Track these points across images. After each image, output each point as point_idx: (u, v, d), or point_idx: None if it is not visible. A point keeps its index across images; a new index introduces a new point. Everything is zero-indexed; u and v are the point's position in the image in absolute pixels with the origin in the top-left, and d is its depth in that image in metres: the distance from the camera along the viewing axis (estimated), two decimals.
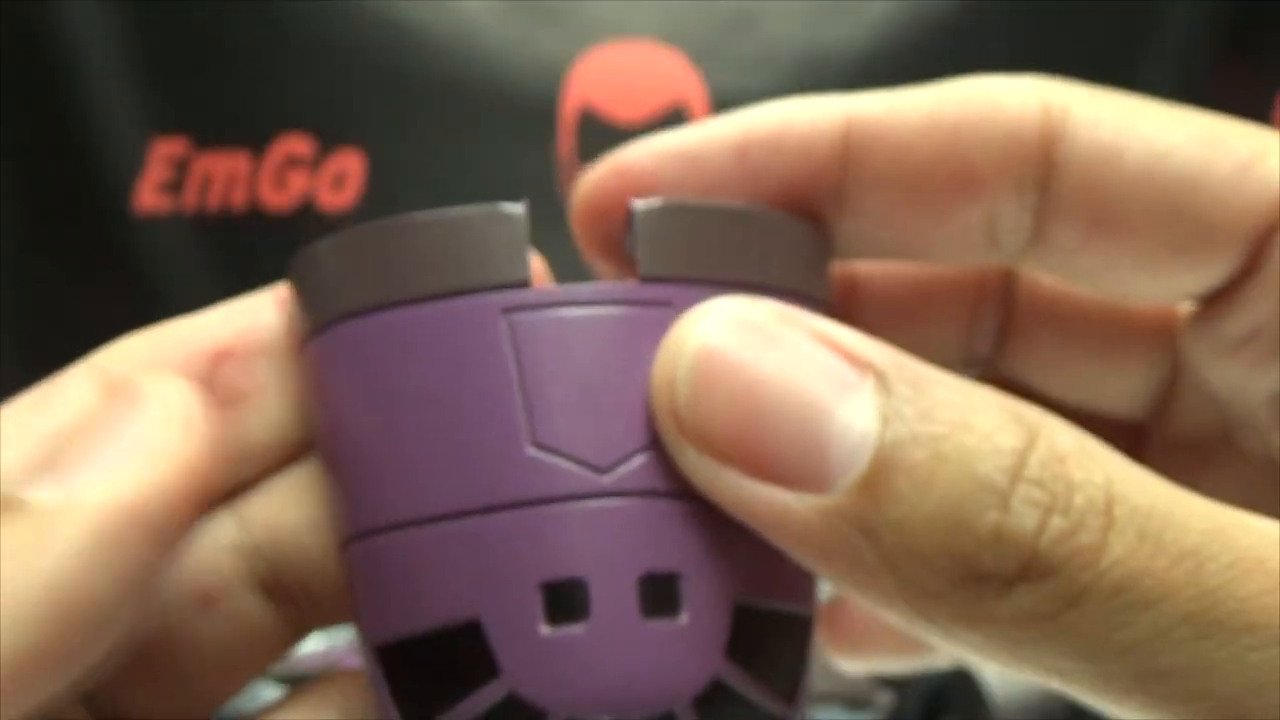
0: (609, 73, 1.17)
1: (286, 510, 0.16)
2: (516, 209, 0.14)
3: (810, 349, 0.12)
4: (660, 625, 0.13)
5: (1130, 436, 0.17)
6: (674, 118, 1.18)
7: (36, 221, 1.07)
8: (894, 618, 0.12)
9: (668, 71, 1.17)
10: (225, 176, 1.12)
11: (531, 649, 0.13)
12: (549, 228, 1.03)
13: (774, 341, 0.12)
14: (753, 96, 0.92)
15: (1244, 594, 0.11)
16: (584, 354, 0.13)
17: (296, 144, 1.13)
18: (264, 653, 0.16)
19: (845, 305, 0.17)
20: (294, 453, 0.16)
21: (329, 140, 1.13)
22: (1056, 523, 0.11)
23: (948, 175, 0.14)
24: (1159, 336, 0.16)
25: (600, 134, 1.19)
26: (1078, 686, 0.12)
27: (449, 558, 0.13)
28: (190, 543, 0.15)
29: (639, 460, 0.13)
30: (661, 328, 0.13)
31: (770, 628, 0.14)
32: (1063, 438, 0.12)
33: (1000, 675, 0.49)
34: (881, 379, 0.12)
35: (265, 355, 0.16)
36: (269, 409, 0.16)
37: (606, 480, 0.13)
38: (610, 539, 0.13)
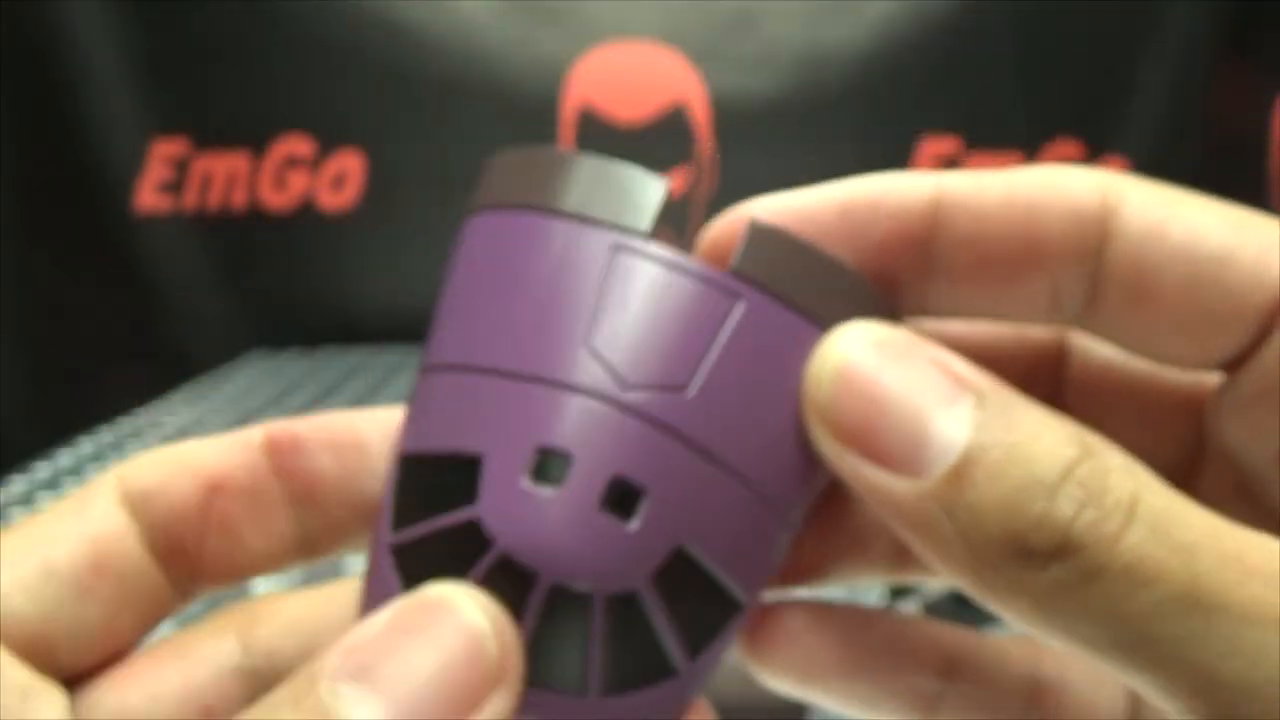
0: (609, 73, 1.17)
1: (286, 640, 0.18)
2: (662, 179, 0.16)
3: (927, 369, 0.15)
4: (611, 520, 0.15)
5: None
6: (674, 117, 1.18)
7: (37, 221, 1.07)
8: (959, 581, 0.15)
9: (668, 71, 1.17)
10: (225, 176, 1.12)
11: (509, 492, 0.15)
12: None
13: (899, 361, 0.15)
14: (753, 96, 0.92)
15: (1223, 581, 0.14)
16: (655, 303, 0.16)
17: (296, 144, 1.13)
18: None
19: None
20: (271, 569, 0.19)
21: (329, 140, 1.13)
22: (1088, 514, 0.14)
23: (1020, 245, 0.17)
24: (1188, 409, 0.19)
25: (600, 134, 1.19)
26: (1095, 651, 0.15)
27: (485, 401, 0.16)
28: (200, 660, 0.18)
29: (661, 393, 0.16)
30: (724, 311, 0.16)
31: (698, 587, 0.16)
32: (1113, 458, 0.15)
33: None
34: (980, 397, 0.15)
35: (246, 494, 0.18)
36: (246, 537, 0.18)
37: (626, 395, 0.15)
38: (606, 434, 0.15)
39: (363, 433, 0.18)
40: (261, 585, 0.44)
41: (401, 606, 0.15)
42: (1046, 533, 0.14)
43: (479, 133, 1.12)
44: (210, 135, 1.10)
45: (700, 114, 1.14)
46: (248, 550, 0.18)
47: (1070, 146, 1.09)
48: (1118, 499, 0.14)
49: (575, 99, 1.14)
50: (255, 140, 1.11)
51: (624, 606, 0.16)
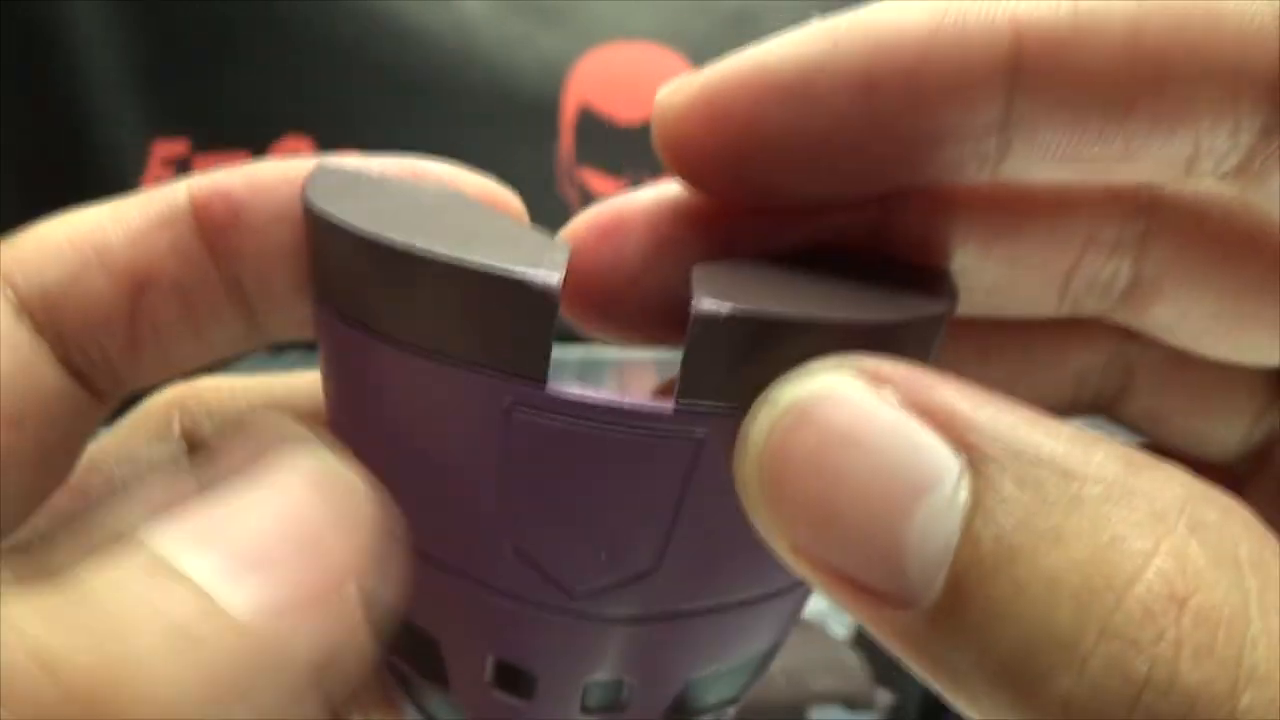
0: (609, 73, 1.17)
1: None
2: (550, 284, 0.11)
3: (897, 425, 0.09)
4: (602, 718, 0.13)
5: (1229, 477, 0.15)
6: None
7: (38, 222, 1.07)
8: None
9: (667, 72, 1.17)
10: None
11: (480, 695, 0.13)
12: (550, 227, 1.02)
13: (854, 420, 0.10)
14: None
15: None
16: (587, 476, 0.11)
17: (296, 145, 1.13)
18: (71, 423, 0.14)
19: (925, 226, 0.14)
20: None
21: (329, 141, 1.13)
22: (1150, 703, 0.08)
23: (1151, 110, 0.11)
24: (1267, 382, 0.14)
25: (600, 134, 1.19)
26: None
27: (425, 589, 0.13)
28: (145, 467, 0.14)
29: (613, 591, 0.12)
30: (690, 460, 0.11)
31: (715, 681, 0.14)
32: (1197, 555, 0.08)
33: None
34: (979, 463, 0.09)
35: (179, 288, 0.14)
36: (184, 338, 0.15)
37: (574, 604, 0.12)
38: (565, 651, 0.12)
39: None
40: None
41: (243, 450, 0.11)
42: (1109, 700, 0.08)
43: (479, 133, 1.12)
44: (211, 137, 1.10)
45: None
46: (187, 349, 0.15)
47: None
48: (1210, 671, 0.08)
49: (575, 99, 1.14)
50: (256, 142, 1.11)
51: None
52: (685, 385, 0.11)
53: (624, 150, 1.14)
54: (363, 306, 0.12)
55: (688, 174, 0.12)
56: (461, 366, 0.11)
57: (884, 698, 0.55)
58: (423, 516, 0.12)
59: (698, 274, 0.11)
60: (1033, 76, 0.11)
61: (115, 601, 0.10)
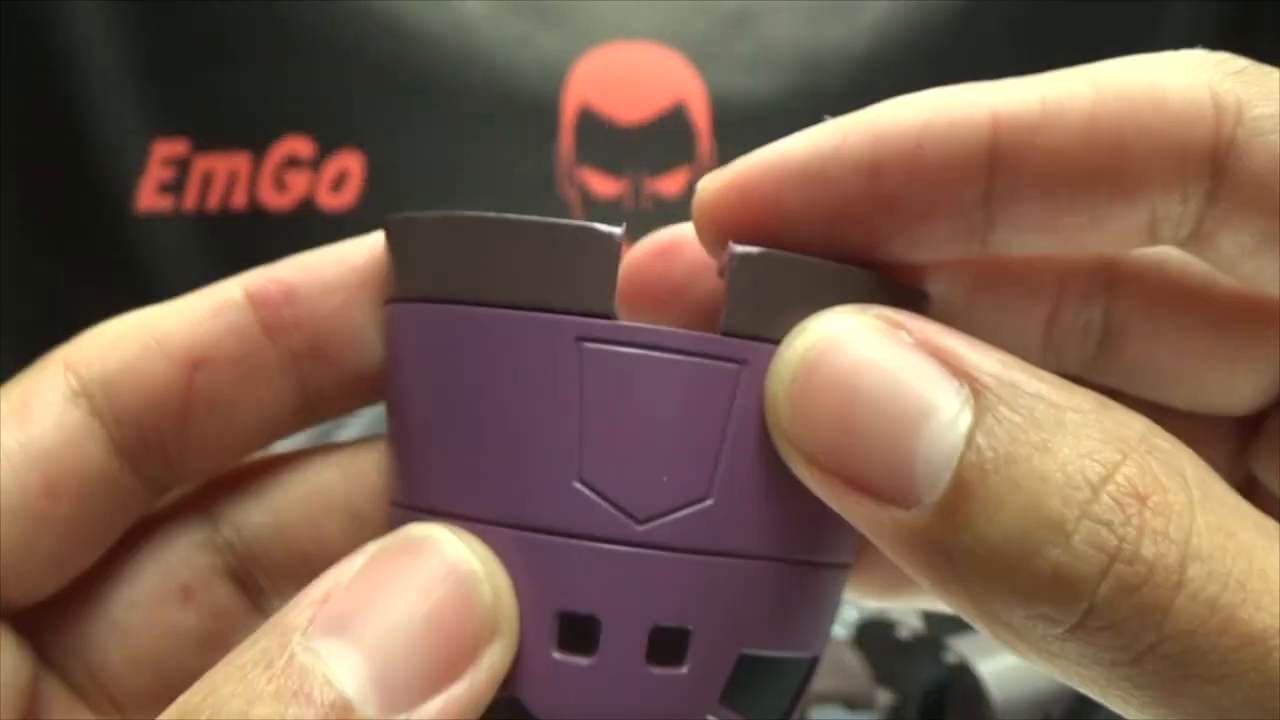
0: (609, 73, 1.17)
1: (253, 509, 0.16)
2: (615, 232, 0.13)
3: (910, 359, 0.12)
4: (662, 672, 0.13)
5: (1243, 431, 0.16)
6: (674, 118, 1.18)
7: (38, 222, 1.07)
8: (989, 637, 0.12)
9: (667, 72, 1.17)
10: (225, 177, 1.12)
11: (542, 667, 0.13)
12: None
13: (874, 351, 0.12)
14: (752, 97, 0.93)
15: None
16: (648, 400, 0.13)
17: (297, 146, 1.13)
18: (236, 634, 0.16)
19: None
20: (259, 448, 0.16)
21: (329, 142, 1.13)
22: (1120, 571, 0.10)
23: (1110, 184, 0.13)
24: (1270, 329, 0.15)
25: (600, 134, 1.19)
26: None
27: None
28: (169, 542, 0.16)
29: (678, 515, 0.13)
30: (732, 384, 0.13)
31: (769, 673, 0.15)
32: (1158, 466, 0.11)
33: (1000, 675, 0.49)
34: (979, 392, 0.11)
35: (235, 364, 0.15)
36: (239, 413, 0.16)
37: (640, 530, 0.13)
38: (631, 587, 0.13)
39: (358, 264, 0.16)
40: None
41: (379, 547, 0.13)
42: (1063, 596, 0.11)
43: (479, 133, 1.12)
44: (211, 138, 1.10)
45: (700, 114, 1.14)
46: (239, 427, 0.15)
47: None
48: (1161, 552, 0.10)
49: (575, 99, 1.14)
50: (255, 142, 1.11)
51: None
52: (728, 317, 0.13)
53: (624, 150, 1.15)
54: (446, 282, 0.14)
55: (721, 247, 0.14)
56: (543, 309, 0.13)
57: (884, 698, 0.55)
58: (495, 475, 0.13)
59: (734, 247, 0.13)
60: (1009, 158, 0.13)
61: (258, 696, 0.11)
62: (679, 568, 0.13)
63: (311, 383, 0.16)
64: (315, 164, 1.11)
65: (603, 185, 1.17)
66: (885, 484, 0.12)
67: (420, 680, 0.12)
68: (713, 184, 0.14)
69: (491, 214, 0.13)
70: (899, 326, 0.12)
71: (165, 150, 1.10)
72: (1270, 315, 0.15)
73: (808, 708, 0.51)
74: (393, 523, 0.15)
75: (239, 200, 1.11)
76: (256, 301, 0.15)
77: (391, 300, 0.15)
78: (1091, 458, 0.11)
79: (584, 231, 0.13)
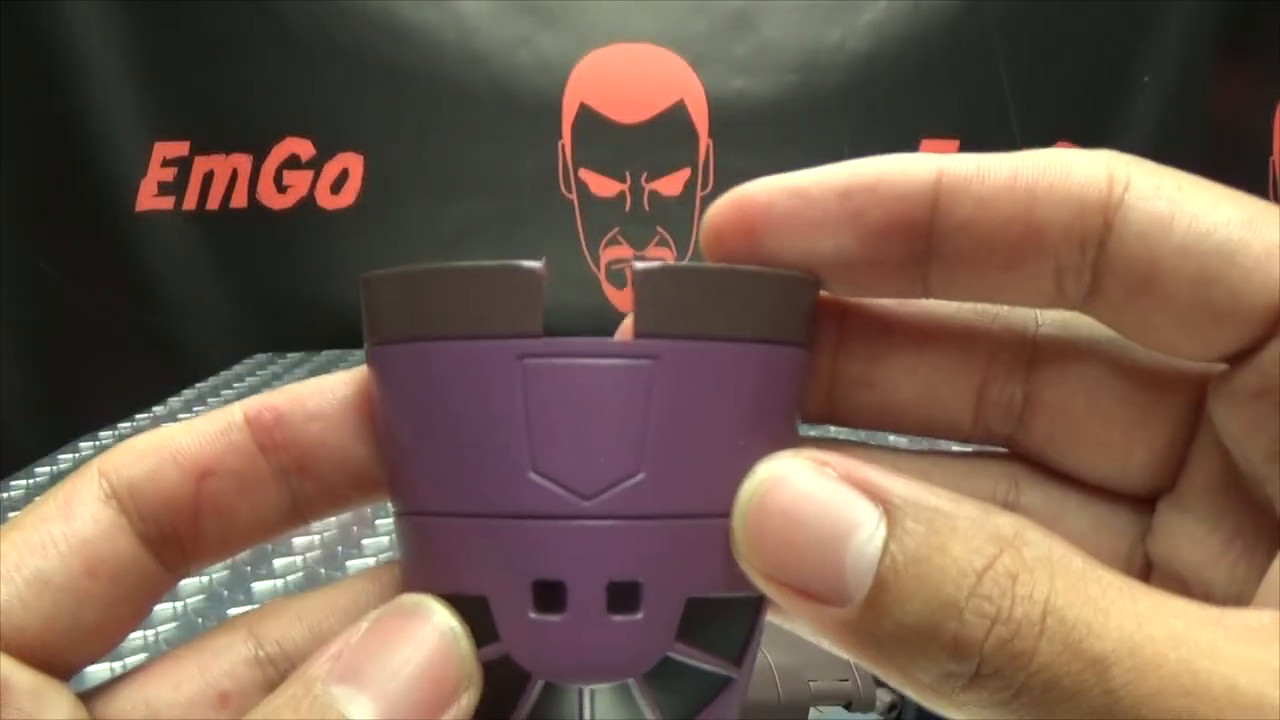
0: (608, 74, 1.17)
1: (293, 629, 0.19)
2: (535, 265, 0.16)
3: (836, 488, 0.15)
4: (622, 619, 0.16)
5: (1141, 500, 0.19)
6: (673, 119, 1.18)
7: (39, 222, 1.07)
8: (910, 695, 0.16)
9: (667, 73, 1.17)
10: (226, 178, 1.12)
11: (522, 627, 0.16)
12: (549, 228, 1.02)
13: (807, 486, 0.15)
14: (751, 97, 0.92)
15: (1141, 694, 0.13)
16: (580, 398, 0.16)
17: (296, 147, 1.13)
18: None
19: (871, 344, 0.19)
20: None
21: (329, 143, 1.13)
22: (998, 631, 0.14)
23: (1022, 229, 0.16)
24: (1176, 399, 0.18)
25: (600, 135, 1.20)
26: None
27: (464, 546, 0.16)
28: (215, 652, 0.19)
29: (617, 489, 0.16)
30: (648, 377, 0.16)
31: (718, 611, 0.17)
32: (1027, 553, 0.14)
33: None
34: (890, 510, 0.15)
35: (236, 476, 0.18)
36: (239, 515, 0.19)
37: (588, 505, 0.16)
38: (587, 552, 0.16)
39: (339, 395, 0.19)
40: None
41: (381, 613, 0.16)
42: (962, 654, 0.14)
43: (479, 134, 1.13)
44: (211, 138, 1.10)
45: (699, 115, 1.14)
46: (240, 526, 0.18)
47: (1070, 148, 1.09)
48: (1027, 611, 0.14)
49: (575, 101, 1.14)
50: (255, 144, 1.11)
51: (664, 669, 0.17)
52: (638, 321, 0.16)
53: (623, 151, 1.15)
54: (408, 323, 0.17)
55: (721, 251, 0.18)
56: (486, 338, 0.16)
57: (884, 698, 0.55)
58: (466, 477, 0.16)
59: (635, 264, 0.16)
60: (947, 201, 0.17)
61: None
62: (624, 532, 0.16)
63: (300, 492, 0.19)
64: (315, 164, 1.12)
65: (602, 185, 1.17)
66: (824, 590, 0.15)
67: (416, 717, 0.16)
68: (719, 203, 0.17)
69: (437, 265, 0.16)
70: (825, 464, 0.15)
71: (166, 151, 1.10)
72: (1162, 390, 0.18)
73: (808, 708, 0.52)
74: (396, 529, 0.18)
75: (239, 200, 1.11)
76: (253, 424, 0.18)
77: (371, 343, 0.17)
78: (977, 553, 0.14)
79: (512, 269, 0.16)
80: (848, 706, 0.55)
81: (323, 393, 0.19)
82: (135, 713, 0.18)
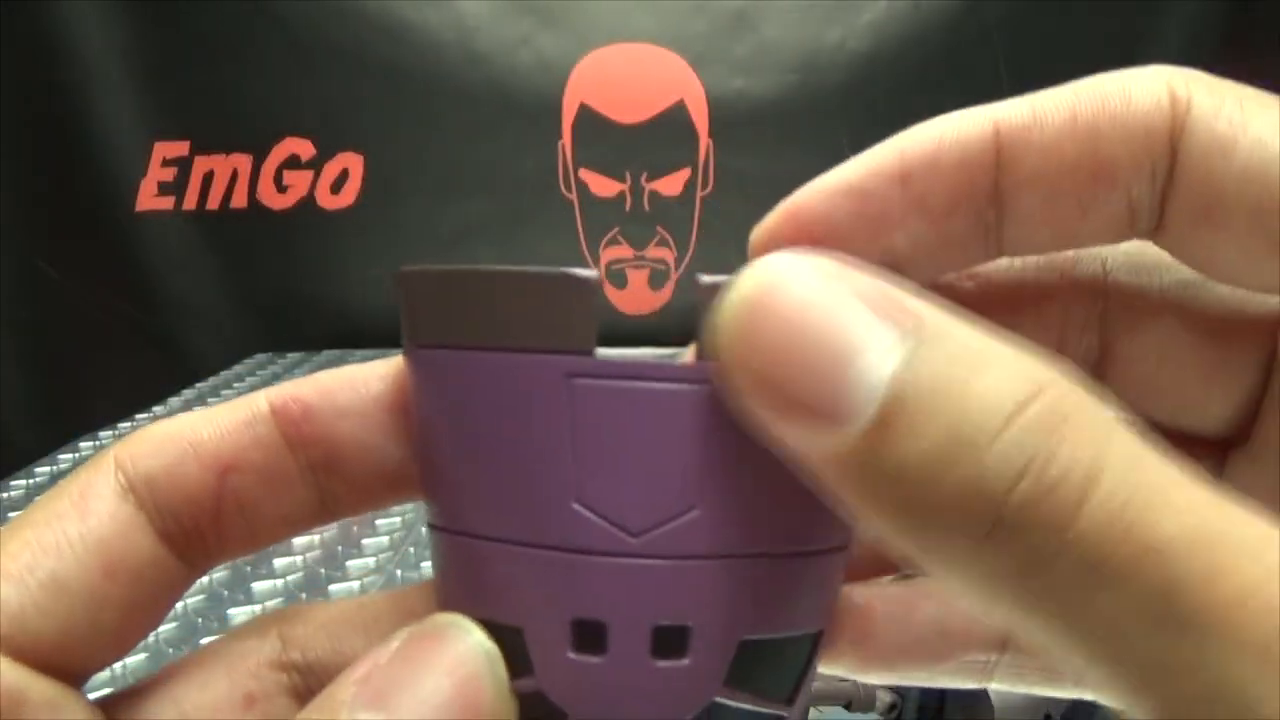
0: (608, 74, 1.17)
1: (319, 636, 0.19)
2: (591, 276, 0.14)
3: (851, 300, 0.13)
4: (667, 664, 0.15)
5: (1217, 450, 0.18)
6: (673, 119, 1.18)
7: (40, 222, 1.07)
8: (901, 550, 0.13)
9: (667, 73, 1.17)
10: (226, 178, 1.12)
11: (559, 665, 0.15)
12: (549, 228, 1.02)
13: (820, 289, 0.13)
14: (752, 98, 0.92)
15: (1209, 600, 0.11)
16: (633, 425, 0.14)
17: (297, 147, 1.13)
18: None
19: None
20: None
21: (329, 143, 1.13)
22: (1029, 483, 0.11)
23: (1090, 170, 0.15)
24: (1249, 346, 0.17)
25: (600, 135, 1.19)
26: (1052, 645, 0.12)
27: (501, 573, 0.15)
28: (242, 654, 0.18)
29: (669, 527, 0.14)
30: (705, 403, 0.14)
31: (771, 653, 0.16)
32: (1070, 403, 0.12)
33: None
34: (917, 327, 0.12)
35: (260, 471, 0.17)
36: (264, 512, 0.18)
37: (635, 543, 0.14)
38: (631, 594, 0.14)
39: (372, 391, 0.18)
40: None
41: (410, 634, 0.15)
42: (975, 505, 0.12)
43: (479, 134, 1.13)
44: (211, 138, 1.10)
45: (699, 115, 1.14)
46: (265, 522, 0.17)
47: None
48: (1068, 468, 0.11)
49: (575, 101, 1.14)
50: (256, 144, 1.11)
51: (710, 714, 0.15)
52: (702, 344, 0.14)
53: (623, 151, 1.15)
54: (451, 328, 0.15)
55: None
56: (534, 352, 0.14)
57: (884, 698, 0.55)
58: (505, 500, 0.15)
59: (702, 279, 0.14)
60: (1009, 155, 0.15)
61: None
62: (673, 573, 0.14)
63: (327, 489, 0.17)
64: (315, 164, 1.12)
65: (602, 185, 1.17)
66: (819, 406, 0.12)
67: None
68: (767, 219, 0.16)
69: (486, 267, 0.15)
70: (844, 274, 0.13)
71: (166, 151, 1.10)
72: (1237, 340, 0.17)
73: (808, 708, 0.52)
74: (430, 543, 0.17)
75: (239, 200, 1.11)
76: (279, 416, 0.17)
77: (411, 344, 0.16)
78: (1017, 381, 0.12)
79: (566, 278, 0.14)
80: (848, 706, 0.55)
81: (354, 387, 0.17)
82: (165, 713, 0.17)
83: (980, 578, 0.12)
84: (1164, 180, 0.15)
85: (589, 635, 0.15)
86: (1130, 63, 0.16)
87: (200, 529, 0.17)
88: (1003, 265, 0.17)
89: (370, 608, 0.19)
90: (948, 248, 0.16)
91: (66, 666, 0.16)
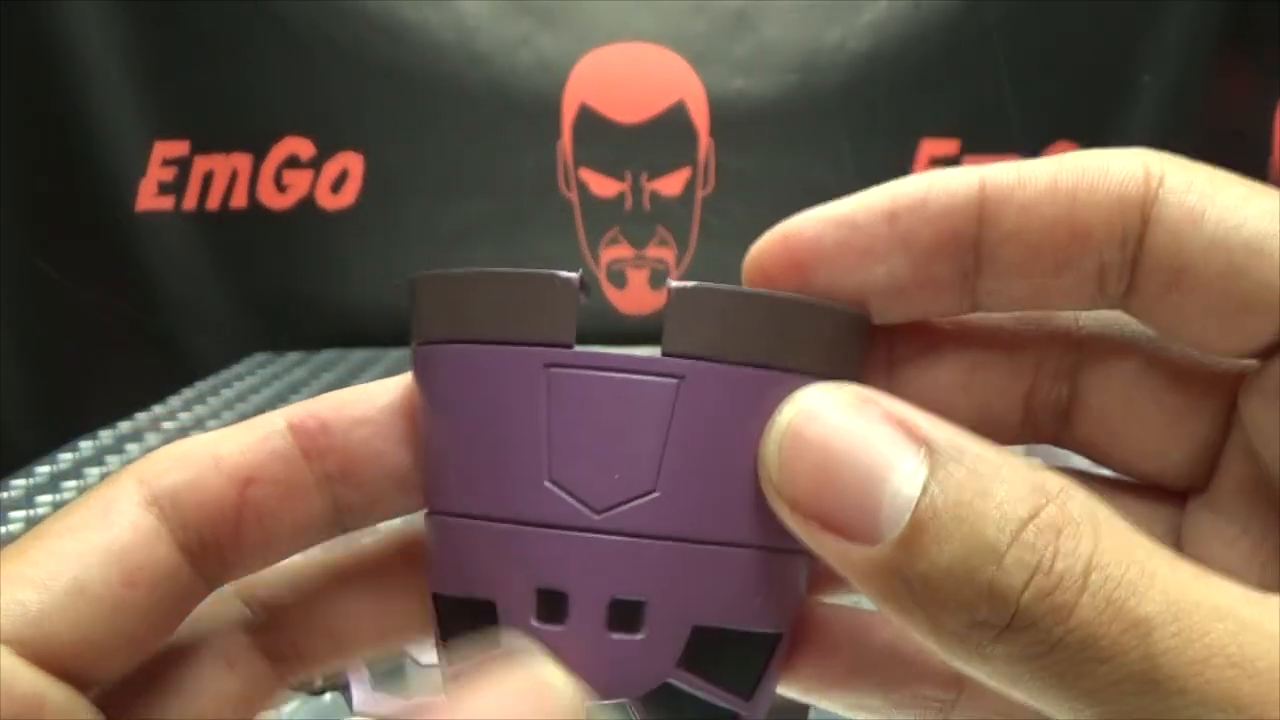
0: (608, 74, 1.17)
1: (284, 596, 0.20)
2: (571, 276, 0.16)
3: (879, 426, 0.15)
4: (621, 637, 0.16)
5: (1178, 499, 0.19)
6: (673, 118, 1.18)
7: (40, 222, 1.07)
8: (932, 651, 0.15)
9: (667, 73, 1.17)
10: (226, 178, 1.12)
11: (524, 633, 0.16)
12: (549, 228, 1.02)
13: (849, 421, 0.15)
14: (751, 97, 0.92)
15: (1181, 663, 0.13)
16: (603, 411, 0.16)
17: (297, 147, 1.13)
18: (268, 697, 0.19)
19: (923, 367, 0.19)
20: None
21: (329, 142, 1.13)
22: (1039, 583, 0.13)
23: (1067, 232, 0.16)
24: (1210, 400, 0.18)
25: (600, 135, 1.19)
26: (1058, 714, 0.14)
27: (477, 548, 0.16)
28: (217, 626, 0.19)
29: (629, 505, 0.16)
30: (672, 396, 0.16)
31: (727, 644, 0.16)
32: (1071, 508, 0.14)
33: None
34: (933, 453, 0.14)
35: (279, 483, 0.18)
36: (282, 523, 0.18)
37: (598, 518, 0.16)
38: (591, 565, 0.16)
39: (384, 400, 0.18)
40: None
41: (489, 679, 0.15)
42: (997, 602, 0.14)
43: (479, 134, 1.13)
44: (211, 137, 1.10)
45: (699, 115, 1.14)
46: (282, 535, 0.18)
47: (1070, 148, 1.09)
48: (1070, 565, 0.13)
49: (575, 100, 1.14)
50: (256, 144, 1.11)
51: (664, 695, 0.16)
52: (667, 339, 0.16)
53: (623, 151, 1.15)
54: (444, 325, 0.17)
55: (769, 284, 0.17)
56: (517, 344, 0.16)
57: None
58: (485, 480, 0.16)
59: (671, 283, 0.16)
60: (992, 211, 0.17)
61: None
62: (632, 549, 0.16)
63: (342, 499, 0.18)
64: (315, 164, 1.11)
65: (602, 185, 1.17)
66: (855, 525, 0.14)
67: None
68: (761, 241, 0.17)
69: (479, 269, 0.16)
70: (870, 401, 0.15)
71: (166, 151, 1.10)
72: (1198, 391, 0.18)
73: (808, 708, 0.51)
74: (424, 526, 0.18)
75: (239, 200, 1.11)
76: (296, 431, 0.18)
77: (414, 344, 0.18)
78: (1021, 501, 0.14)
79: (549, 278, 0.16)
80: None
81: (367, 399, 0.18)
82: (162, 694, 0.18)
83: (1001, 662, 0.14)
84: (1135, 246, 0.16)
85: (551, 604, 0.16)
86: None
87: (220, 541, 0.18)
88: (981, 315, 0.19)
89: (336, 563, 0.20)
90: (926, 289, 0.17)
91: (81, 673, 0.16)
